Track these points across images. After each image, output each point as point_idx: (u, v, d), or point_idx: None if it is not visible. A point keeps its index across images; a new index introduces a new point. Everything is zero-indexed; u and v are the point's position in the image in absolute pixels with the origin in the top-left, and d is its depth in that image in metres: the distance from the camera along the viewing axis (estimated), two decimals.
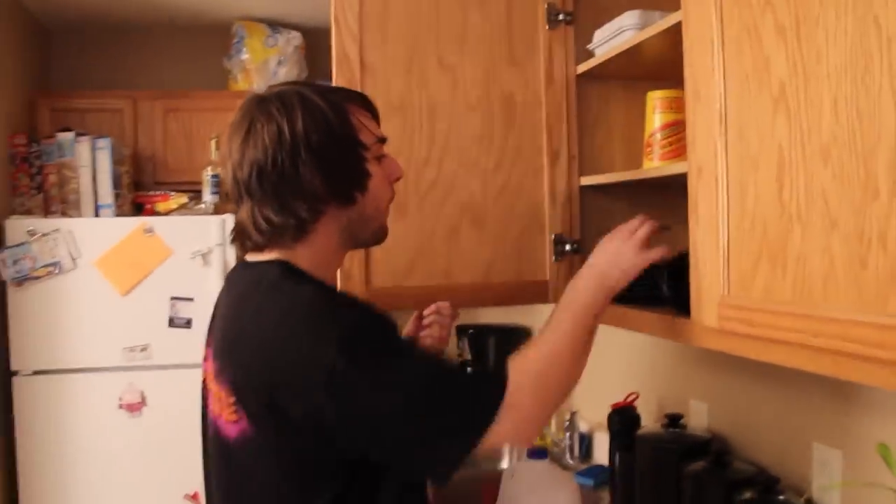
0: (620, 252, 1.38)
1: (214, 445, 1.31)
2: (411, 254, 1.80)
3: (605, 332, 2.51)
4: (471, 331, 3.22)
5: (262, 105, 1.27)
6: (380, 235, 1.40)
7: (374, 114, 1.37)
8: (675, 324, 1.46)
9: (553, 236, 1.86)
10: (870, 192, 0.95)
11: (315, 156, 1.23)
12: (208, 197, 3.16)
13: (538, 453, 1.67)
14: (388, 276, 1.74)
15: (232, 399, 1.22)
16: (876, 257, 0.95)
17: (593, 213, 1.93)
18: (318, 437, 1.17)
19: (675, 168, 1.51)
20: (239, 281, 1.34)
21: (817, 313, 1.04)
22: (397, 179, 1.40)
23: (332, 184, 1.26)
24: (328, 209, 1.27)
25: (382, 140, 1.36)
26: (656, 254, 1.38)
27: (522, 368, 1.25)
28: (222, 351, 1.27)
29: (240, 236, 1.32)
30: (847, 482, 1.49)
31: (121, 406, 2.97)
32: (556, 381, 1.28)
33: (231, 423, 1.23)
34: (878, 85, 0.93)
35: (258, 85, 3.45)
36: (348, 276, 1.76)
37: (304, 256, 1.29)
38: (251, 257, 1.33)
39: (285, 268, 1.27)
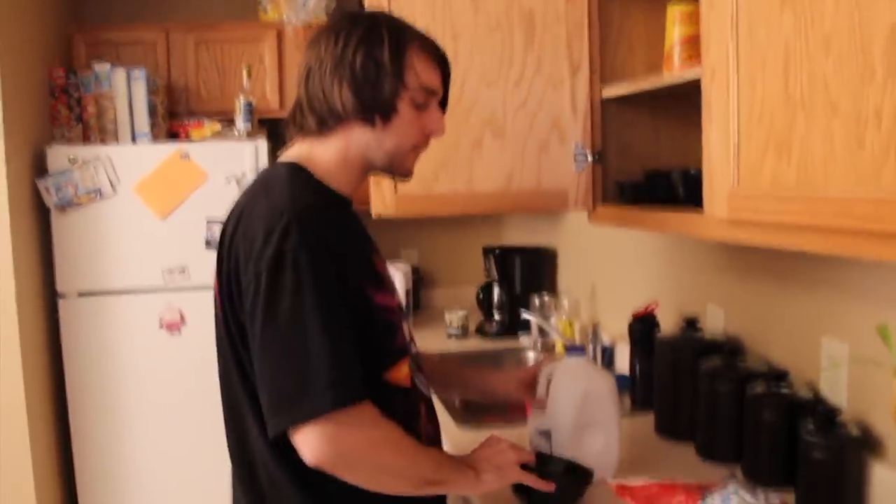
0: (493, 457, 1.42)
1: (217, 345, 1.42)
2: (436, 164, 1.89)
3: (627, 245, 2.60)
4: (497, 251, 3.30)
5: (337, 20, 1.40)
6: (398, 171, 1.45)
7: (440, 67, 1.43)
8: (689, 219, 1.53)
9: (574, 146, 1.93)
10: (867, 75, 1.01)
11: (352, 74, 1.33)
12: (241, 124, 3.23)
13: (577, 349, 1.73)
14: (414, 184, 1.81)
15: (217, 290, 1.35)
16: (872, 136, 1.01)
17: (615, 124, 1.99)
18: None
19: (690, 73, 1.56)
20: (254, 183, 1.43)
21: (818, 195, 1.11)
22: (433, 134, 1.43)
23: (357, 102, 1.34)
24: (351, 122, 1.36)
25: (430, 91, 1.40)
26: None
27: (381, 424, 1.26)
28: (219, 246, 1.39)
29: (287, 119, 1.44)
30: (851, 360, 1.56)
31: (161, 326, 3.10)
32: (379, 467, 1.27)
33: (218, 315, 1.37)
34: None
35: (287, 16, 3.50)
36: (379, 182, 1.86)
37: (322, 157, 1.39)
38: (282, 154, 1.43)
39: (293, 171, 1.37)
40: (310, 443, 1.20)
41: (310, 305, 1.20)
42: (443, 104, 1.47)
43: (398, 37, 1.36)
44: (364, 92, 1.33)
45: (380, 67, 1.33)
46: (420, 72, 1.37)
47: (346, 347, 1.23)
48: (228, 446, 1.42)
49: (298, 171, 1.37)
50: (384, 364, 1.35)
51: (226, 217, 1.39)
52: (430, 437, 1.47)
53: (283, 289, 1.21)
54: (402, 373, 1.39)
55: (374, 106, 1.34)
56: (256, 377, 1.26)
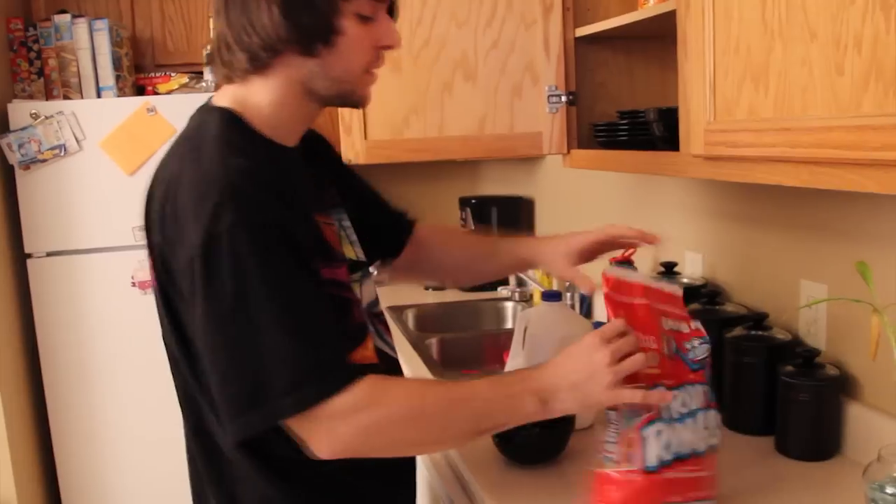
0: (591, 380, 1.14)
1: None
2: (406, 109, 1.84)
3: (602, 190, 2.55)
4: (473, 201, 3.26)
5: None
6: (352, 100, 1.25)
7: None
8: (666, 158, 1.49)
9: (548, 88, 1.88)
10: None
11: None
12: (209, 76, 3.15)
13: (554, 295, 1.67)
14: (385, 130, 1.77)
15: (148, 258, 1.21)
16: (851, 62, 0.97)
17: (589, 64, 1.94)
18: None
19: (665, 7, 1.51)
20: (180, 140, 1.22)
21: (796, 125, 1.07)
22: (387, 47, 1.21)
23: (291, 28, 1.11)
24: (287, 53, 1.15)
25: None
26: (629, 397, 1.15)
27: (381, 403, 1.09)
28: (144, 214, 1.23)
29: (209, 60, 1.23)
30: (829, 298, 1.55)
31: (133, 284, 3.04)
32: (399, 443, 1.15)
33: (156, 293, 1.22)
34: None
35: None
36: (348, 129, 1.81)
37: (260, 99, 1.18)
38: (215, 97, 1.23)
39: (226, 122, 1.17)
40: (312, 440, 1.09)
41: (256, 293, 1.04)
42: (392, 11, 1.24)
43: None
44: (298, 14, 1.11)
45: None
46: None
47: (315, 331, 1.08)
48: (185, 434, 1.32)
49: (232, 122, 1.17)
50: (347, 346, 1.19)
51: (151, 177, 1.21)
52: None
53: (222, 277, 1.04)
54: (368, 351, 1.24)
55: (313, 30, 1.13)
56: (207, 374, 1.12)
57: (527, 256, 1.60)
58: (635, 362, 1.14)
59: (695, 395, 1.24)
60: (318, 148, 1.41)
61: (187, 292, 1.09)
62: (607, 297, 1.24)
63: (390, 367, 1.36)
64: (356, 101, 1.25)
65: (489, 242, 1.68)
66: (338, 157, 1.51)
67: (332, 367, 1.09)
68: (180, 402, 1.29)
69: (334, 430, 1.07)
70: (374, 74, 1.22)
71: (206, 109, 1.22)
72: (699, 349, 1.25)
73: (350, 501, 1.26)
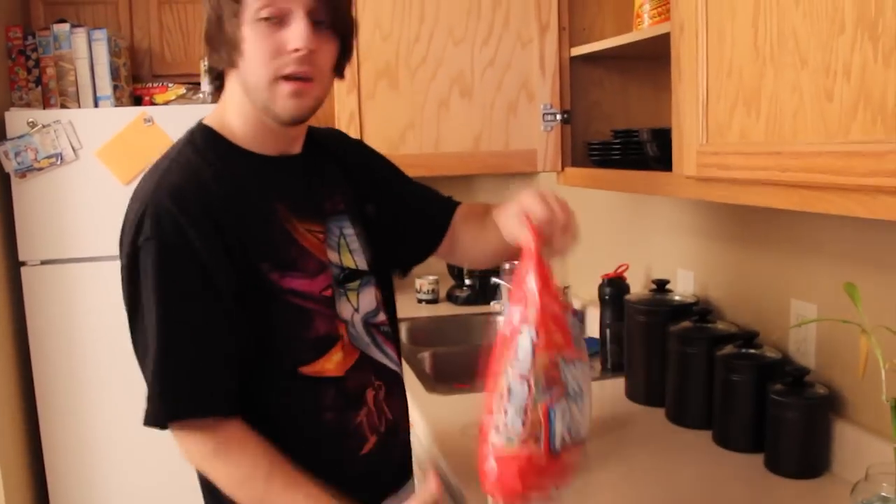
0: None
1: None
2: (403, 125, 1.86)
3: (595, 207, 2.57)
4: None
5: None
6: (272, 112, 1.19)
7: None
8: (658, 178, 1.51)
9: (543, 106, 1.90)
10: (836, 27, 0.99)
11: (206, 18, 1.19)
12: (206, 87, 3.16)
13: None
14: (381, 145, 1.78)
15: None
16: (840, 89, 0.99)
17: (584, 83, 1.97)
18: None
19: (660, 29, 1.54)
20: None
21: (786, 149, 1.09)
22: (293, 51, 1.15)
23: (213, 43, 1.19)
24: (226, 71, 1.23)
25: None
26: None
27: (219, 456, 1.16)
28: None
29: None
30: (818, 319, 1.56)
31: None
32: (223, 489, 1.18)
33: None
34: None
35: None
36: None
37: (230, 114, 1.24)
38: (210, 113, 1.30)
39: (196, 133, 1.25)
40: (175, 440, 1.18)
41: (153, 310, 1.12)
42: (330, 25, 1.20)
43: None
44: (212, 30, 1.18)
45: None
46: None
47: (184, 357, 1.13)
48: None
49: (203, 136, 1.24)
50: (299, 356, 1.23)
51: None
52: (375, 427, 1.32)
53: (137, 289, 1.15)
54: (331, 362, 1.25)
55: (222, 40, 1.16)
56: None
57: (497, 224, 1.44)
58: None
59: (583, 374, 1.17)
60: (343, 151, 1.43)
61: (122, 294, 1.19)
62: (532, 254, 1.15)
63: (388, 380, 1.36)
64: (274, 113, 1.19)
65: (485, 212, 1.47)
66: (371, 157, 1.51)
67: (193, 396, 1.14)
68: None
69: (183, 443, 1.17)
70: (289, 85, 1.16)
71: (193, 127, 1.29)
72: (577, 326, 1.18)
73: None
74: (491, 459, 1.12)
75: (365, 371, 1.31)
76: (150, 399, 1.13)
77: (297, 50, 1.14)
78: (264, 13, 1.13)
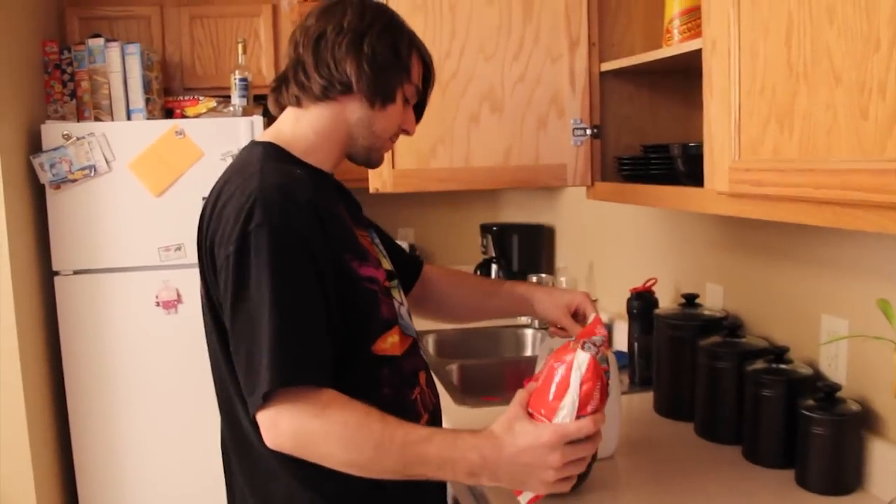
0: (533, 474, 1.21)
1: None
2: (434, 139, 1.87)
3: (625, 222, 2.58)
4: (494, 228, 3.29)
5: (358, 1, 1.41)
6: (375, 156, 1.47)
7: (427, 72, 1.48)
8: (689, 193, 1.52)
9: (573, 121, 1.91)
10: (871, 45, 0.99)
11: (372, 54, 1.36)
12: (237, 100, 3.20)
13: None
14: (412, 159, 1.80)
15: (200, 269, 1.36)
16: (876, 107, 0.99)
17: (613, 98, 1.97)
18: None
19: (691, 45, 1.54)
20: (231, 164, 1.42)
21: (820, 167, 1.09)
22: (404, 132, 1.48)
23: (368, 79, 1.36)
24: (353, 95, 1.38)
25: (418, 91, 1.46)
26: (560, 488, 1.24)
27: (323, 416, 1.18)
28: (198, 228, 1.39)
29: (276, 86, 1.44)
30: (851, 335, 1.56)
31: (157, 304, 3.08)
32: (326, 458, 1.21)
33: (202, 296, 1.37)
34: None
35: None
36: None
37: (307, 127, 1.40)
38: (257, 137, 1.45)
39: (268, 149, 1.37)
40: (262, 428, 1.20)
41: (266, 286, 1.19)
42: (417, 110, 1.51)
43: (411, 36, 1.43)
44: (377, 73, 1.37)
45: (397, 56, 1.39)
46: (416, 72, 1.44)
47: (296, 327, 1.20)
48: (221, 430, 1.41)
49: (273, 149, 1.38)
50: (371, 335, 1.35)
51: (206, 202, 1.39)
52: (427, 405, 1.45)
53: (247, 271, 1.21)
54: (387, 343, 1.37)
55: (381, 89, 1.38)
56: (234, 360, 1.25)
57: (527, 297, 1.72)
58: (579, 467, 1.24)
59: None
60: (346, 192, 1.57)
61: (222, 285, 1.24)
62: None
63: (427, 369, 1.51)
64: (377, 158, 1.48)
65: (491, 283, 1.85)
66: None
67: (303, 363, 1.19)
68: (218, 401, 1.40)
69: (278, 423, 1.18)
70: (391, 145, 1.49)
71: (251, 145, 1.42)
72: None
73: (373, 503, 1.33)
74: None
75: (416, 356, 1.46)
76: (262, 369, 1.17)
77: (406, 131, 1.48)
78: (411, 97, 1.45)
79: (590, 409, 1.23)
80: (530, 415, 1.24)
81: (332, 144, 1.42)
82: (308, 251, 1.23)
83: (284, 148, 1.39)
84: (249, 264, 1.21)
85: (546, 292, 1.71)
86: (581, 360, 1.24)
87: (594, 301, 1.64)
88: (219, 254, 1.26)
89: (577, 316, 1.65)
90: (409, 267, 1.73)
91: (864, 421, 1.51)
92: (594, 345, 1.27)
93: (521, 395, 1.27)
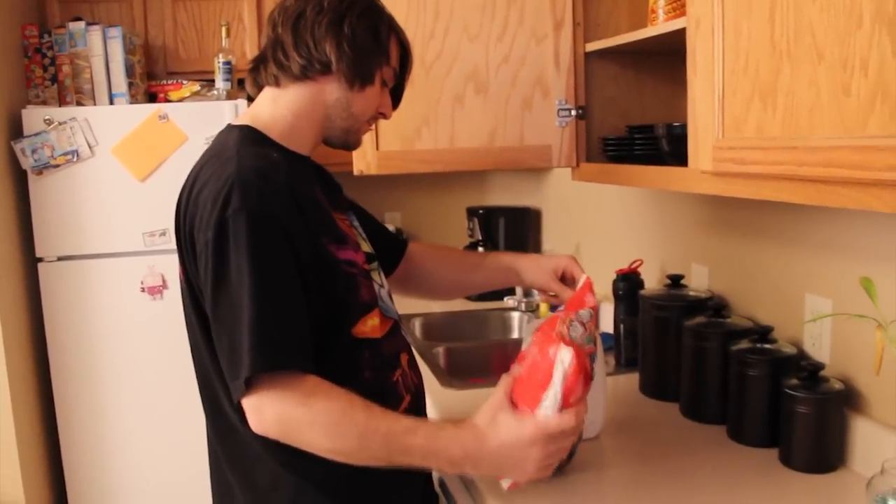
0: (516, 466, 1.24)
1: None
2: (418, 120, 1.86)
3: (609, 202, 2.58)
4: (480, 211, 3.28)
5: None
6: (353, 138, 1.47)
7: (406, 56, 1.49)
8: (674, 173, 1.51)
9: (558, 102, 1.90)
10: (854, 21, 0.99)
11: (352, 35, 1.35)
12: (221, 83, 3.17)
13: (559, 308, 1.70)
14: (396, 141, 1.79)
15: (179, 254, 1.36)
16: (858, 83, 0.99)
17: (598, 79, 1.97)
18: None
19: (675, 24, 1.54)
20: (208, 149, 1.41)
21: (803, 144, 1.09)
22: (381, 115, 1.48)
23: (348, 60, 1.35)
24: (332, 76, 1.37)
25: (395, 75, 1.46)
26: (540, 476, 1.27)
27: (307, 404, 1.18)
28: (175, 213, 1.38)
29: (254, 67, 1.43)
30: (834, 313, 1.57)
31: (142, 289, 3.07)
32: (311, 446, 1.21)
33: (181, 282, 1.38)
34: None
35: None
36: None
37: (285, 107, 1.39)
38: (233, 121, 1.43)
39: (245, 133, 1.36)
40: (247, 413, 1.20)
41: (245, 272, 1.19)
42: (395, 95, 1.52)
43: (390, 19, 1.43)
44: (357, 53, 1.36)
45: (376, 39, 1.39)
46: (395, 56, 1.45)
47: (277, 312, 1.20)
48: (205, 415, 1.41)
49: (250, 132, 1.36)
50: (351, 318, 1.34)
51: (182, 188, 1.38)
52: (409, 387, 1.45)
53: (226, 256, 1.20)
54: (367, 325, 1.36)
55: (361, 69, 1.37)
56: (215, 346, 1.25)
57: (512, 267, 1.71)
58: (560, 457, 1.27)
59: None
60: (326, 174, 1.56)
61: (202, 271, 1.24)
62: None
63: (409, 350, 1.51)
64: (354, 140, 1.48)
65: (476, 255, 1.83)
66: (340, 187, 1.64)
67: (284, 348, 1.19)
68: (199, 387, 1.39)
69: (262, 410, 1.19)
70: (368, 128, 1.49)
71: (228, 128, 1.41)
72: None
73: (358, 486, 1.33)
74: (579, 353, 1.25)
75: (398, 337, 1.46)
76: (243, 354, 1.17)
77: (383, 114, 1.49)
78: (389, 80, 1.45)
79: (572, 400, 1.23)
80: (514, 404, 1.24)
81: (310, 125, 1.41)
82: (286, 235, 1.23)
83: (261, 131, 1.38)
84: (228, 250, 1.20)
85: (531, 259, 1.70)
86: (564, 355, 1.24)
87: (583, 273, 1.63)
88: (198, 239, 1.25)
89: (566, 279, 1.65)
90: (393, 247, 1.72)
91: (847, 399, 1.52)
92: (581, 323, 1.27)
93: (505, 381, 1.28)
